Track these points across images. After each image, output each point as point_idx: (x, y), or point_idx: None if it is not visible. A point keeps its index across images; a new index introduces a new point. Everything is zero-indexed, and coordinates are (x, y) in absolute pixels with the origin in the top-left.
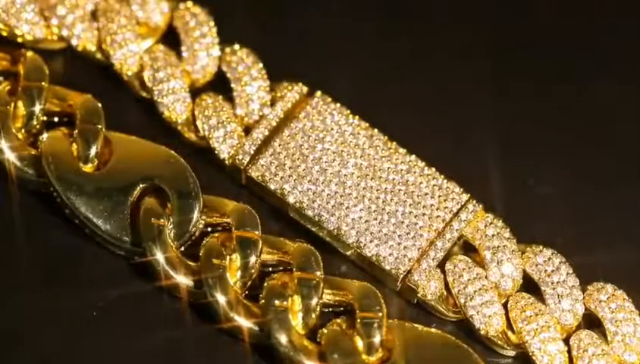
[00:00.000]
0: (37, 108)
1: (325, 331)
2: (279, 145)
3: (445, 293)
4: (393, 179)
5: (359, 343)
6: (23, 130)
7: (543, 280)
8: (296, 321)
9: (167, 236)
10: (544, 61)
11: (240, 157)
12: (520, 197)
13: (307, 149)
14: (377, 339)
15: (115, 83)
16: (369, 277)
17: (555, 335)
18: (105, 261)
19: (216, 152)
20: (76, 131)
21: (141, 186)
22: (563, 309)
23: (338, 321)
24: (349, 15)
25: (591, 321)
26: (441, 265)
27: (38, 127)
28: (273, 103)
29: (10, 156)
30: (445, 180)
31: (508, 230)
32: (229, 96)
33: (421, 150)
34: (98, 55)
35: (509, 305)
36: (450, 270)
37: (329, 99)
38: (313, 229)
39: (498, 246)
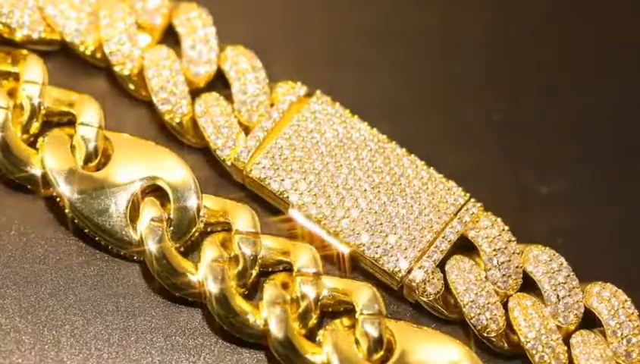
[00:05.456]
0: (37, 109)
1: (325, 331)
2: (279, 145)
3: (445, 293)
4: (393, 179)
5: (359, 344)
6: (23, 130)
7: (543, 280)
8: (296, 321)
9: (166, 236)
10: (544, 60)
11: (240, 157)
12: (520, 197)
13: (307, 148)
14: (377, 339)
15: (115, 83)
16: (369, 277)
17: (555, 335)
18: (104, 260)
19: (216, 152)
20: (76, 131)
21: (141, 185)
22: (563, 309)
23: (338, 321)
24: (350, 15)
25: (591, 321)
26: (441, 265)
27: (38, 126)
28: (273, 103)
29: (11, 157)
30: (445, 180)
31: (508, 230)
32: (229, 96)
33: (420, 150)
34: (98, 55)
35: (509, 306)
36: (450, 270)
37: (328, 99)
38: (313, 228)
39: (498, 246)
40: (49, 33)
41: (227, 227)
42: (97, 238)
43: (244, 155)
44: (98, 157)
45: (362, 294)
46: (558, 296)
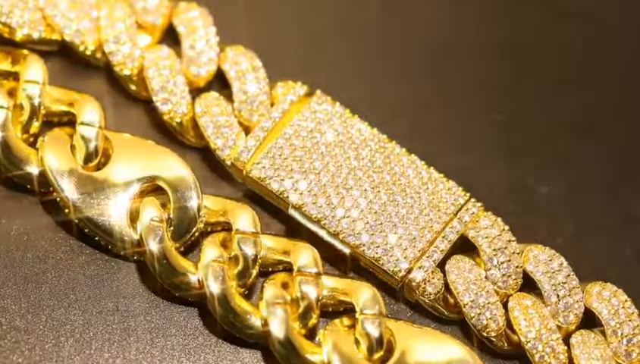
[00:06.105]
0: (37, 108)
1: (325, 331)
2: (279, 145)
3: (445, 293)
4: (393, 179)
5: (359, 344)
6: (23, 130)
7: (543, 280)
8: (296, 321)
9: (166, 236)
10: (545, 60)
11: (240, 157)
12: (520, 197)
13: (307, 148)
14: (377, 339)
15: (115, 83)
16: (369, 277)
17: (555, 335)
18: (104, 260)
19: (216, 152)
20: (76, 131)
21: (141, 185)
22: (563, 309)
23: (338, 321)
24: (349, 15)
25: (591, 321)
26: (441, 265)
27: (38, 126)
28: (273, 103)
29: (11, 156)
30: (445, 180)
31: (508, 230)
32: (229, 96)
33: (421, 150)
34: (98, 55)
35: (509, 306)
36: (450, 270)
37: (329, 99)
38: (313, 228)
39: (498, 246)
40: (49, 33)
41: (227, 227)
42: (97, 238)
43: (244, 155)
44: (99, 157)
45: (362, 294)
46: (558, 295)
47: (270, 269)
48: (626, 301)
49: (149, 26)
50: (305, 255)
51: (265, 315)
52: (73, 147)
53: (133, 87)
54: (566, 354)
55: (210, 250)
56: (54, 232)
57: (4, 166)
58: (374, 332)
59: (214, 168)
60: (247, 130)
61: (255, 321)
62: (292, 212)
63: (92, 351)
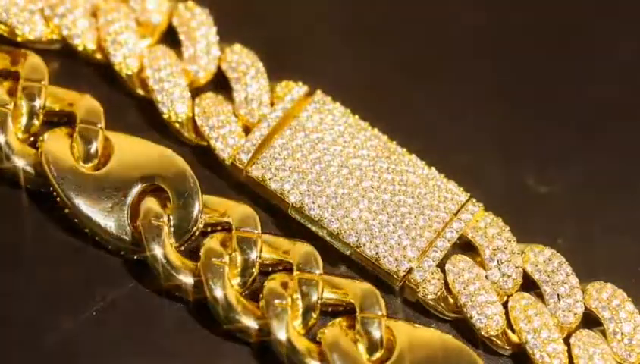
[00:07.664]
0: (37, 108)
1: (325, 331)
2: (279, 145)
3: (445, 293)
4: (393, 178)
5: (359, 343)
6: (23, 130)
7: (543, 280)
8: (296, 321)
9: (167, 235)
10: (545, 59)
11: (240, 157)
12: (520, 197)
13: (307, 148)
14: (377, 339)
15: (115, 83)
16: (369, 277)
17: (555, 335)
18: (105, 261)
19: (216, 152)
20: (76, 131)
21: (141, 185)
22: (563, 309)
23: (338, 321)
24: (350, 15)
25: (591, 321)
26: (441, 265)
27: (38, 126)
28: (273, 103)
29: (11, 156)
30: (445, 180)
31: (508, 230)
32: (229, 96)
33: (420, 150)
34: (98, 55)
35: (509, 305)
36: (450, 270)
37: (329, 99)
38: (313, 228)
39: (498, 246)
40: (49, 33)
41: (227, 227)
42: (97, 238)
43: (244, 155)
44: (98, 156)
45: (362, 294)
46: (558, 295)
47: (270, 269)
48: (626, 301)
49: (148, 26)
50: (305, 255)
51: (265, 315)
52: (73, 147)
53: (133, 87)
54: (566, 354)
55: (210, 250)
56: (54, 232)
57: (3, 166)
58: (374, 332)
59: (214, 168)
60: (247, 130)
61: (255, 321)
62: (292, 212)
63: (91, 351)
